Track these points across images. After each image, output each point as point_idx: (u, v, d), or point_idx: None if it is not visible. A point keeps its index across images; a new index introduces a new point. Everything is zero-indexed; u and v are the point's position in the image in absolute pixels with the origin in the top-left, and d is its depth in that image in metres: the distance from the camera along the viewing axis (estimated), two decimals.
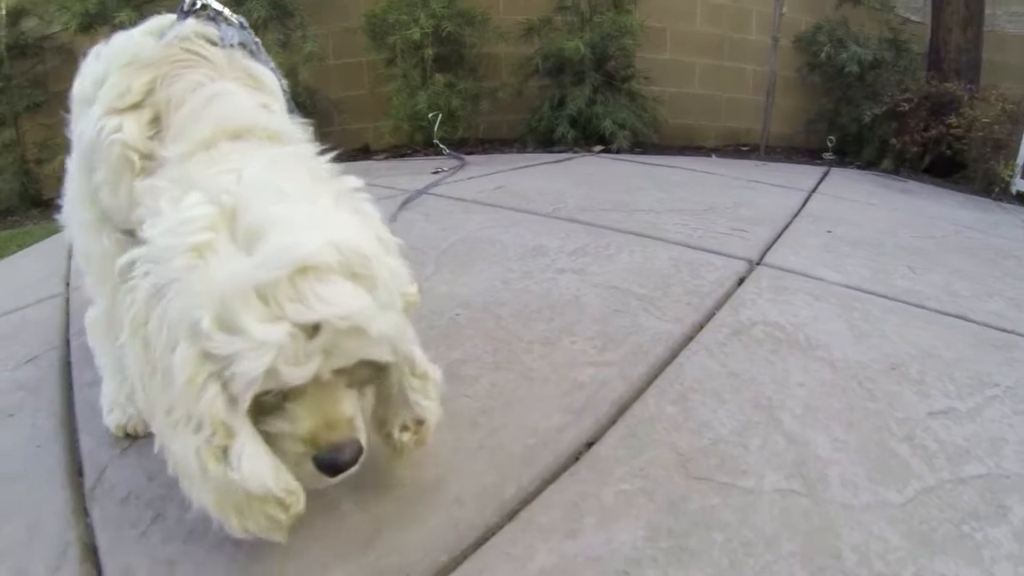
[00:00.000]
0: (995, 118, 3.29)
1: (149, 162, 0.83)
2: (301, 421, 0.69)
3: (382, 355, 0.72)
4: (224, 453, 0.66)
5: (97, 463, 1.03)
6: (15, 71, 3.63)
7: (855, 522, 0.91)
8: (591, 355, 1.30)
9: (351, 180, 0.79)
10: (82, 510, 0.94)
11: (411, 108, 3.57)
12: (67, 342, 1.46)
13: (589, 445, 1.05)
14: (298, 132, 0.91)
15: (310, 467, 0.70)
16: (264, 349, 0.62)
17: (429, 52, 3.59)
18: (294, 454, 0.70)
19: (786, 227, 2.17)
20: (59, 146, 3.56)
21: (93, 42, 1.02)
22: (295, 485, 0.72)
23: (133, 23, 1.03)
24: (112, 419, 1.07)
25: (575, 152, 3.59)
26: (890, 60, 3.82)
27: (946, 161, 3.47)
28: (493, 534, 0.88)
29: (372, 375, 0.79)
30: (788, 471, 1.00)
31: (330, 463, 0.70)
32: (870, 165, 3.65)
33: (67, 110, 1.07)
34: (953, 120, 3.37)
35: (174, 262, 0.64)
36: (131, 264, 0.69)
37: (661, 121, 3.91)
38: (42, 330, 1.54)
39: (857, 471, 1.01)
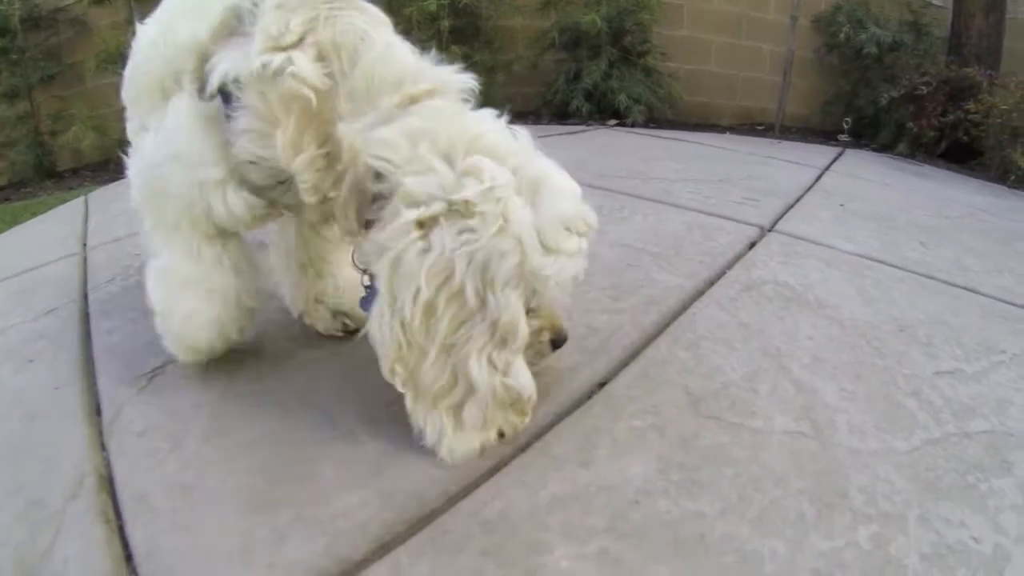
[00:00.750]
0: (1014, 105, 3.20)
1: (328, 104, 0.84)
2: (550, 317, 0.94)
3: None
4: (508, 367, 0.84)
5: (114, 402, 1.05)
6: (29, 43, 3.60)
7: (862, 465, 0.93)
8: (605, 303, 1.32)
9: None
10: (99, 445, 0.96)
11: None
12: (85, 296, 1.48)
13: (602, 385, 1.06)
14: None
15: (547, 348, 0.97)
16: (578, 256, 0.85)
17: (445, 24, 3.55)
18: (540, 343, 0.95)
19: (798, 199, 2.17)
20: (73, 117, 3.56)
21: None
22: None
23: None
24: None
25: (589, 125, 3.57)
26: (910, 43, 3.74)
27: (962, 147, 3.41)
28: (506, 464, 0.90)
29: None
30: (796, 415, 1.01)
31: (564, 339, 0.98)
32: (885, 148, 3.60)
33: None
34: (971, 106, 3.30)
35: (491, 227, 0.78)
36: (432, 219, 0.78)
37: (676, 97, 3.89)
38: (61, 285, 1.56)
39: (864, 419, 1.02)
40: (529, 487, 0.86)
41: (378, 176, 0.82)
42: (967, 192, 2.84)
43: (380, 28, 0.89)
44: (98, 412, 1.03)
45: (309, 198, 0.87)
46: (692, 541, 0.79)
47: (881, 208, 2.21)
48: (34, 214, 2.69)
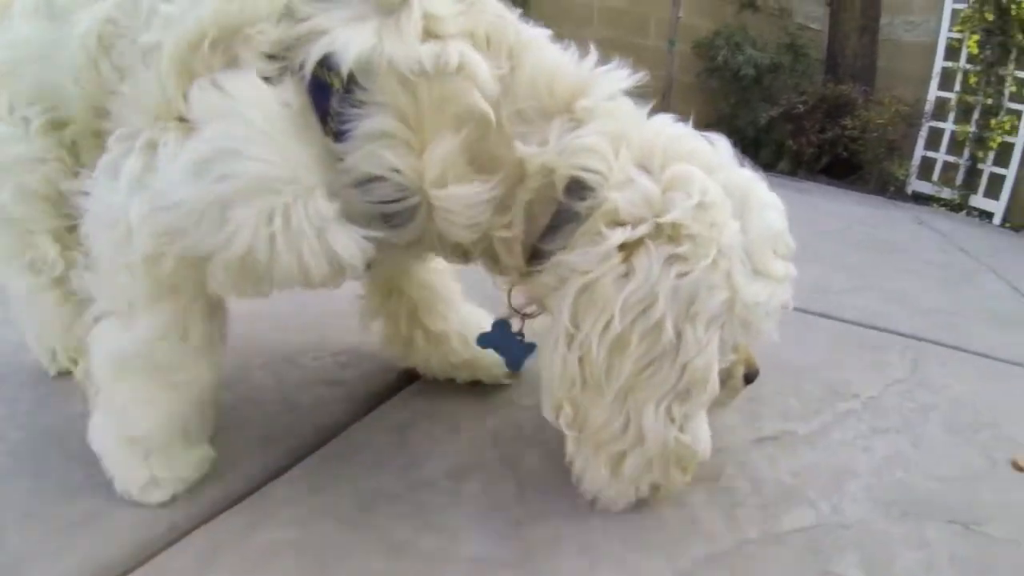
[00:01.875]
0: (889, 120, 3.23)
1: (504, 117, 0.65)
2: (746, 350, 0.80)
3: None
4: (686, 422, 0.71)
5: None
6: None
7: None
8: (329, 373, 0.96)
9: None
10: None
11: None
12: None
13: (276, 477, 0.73)
14: None
15: (741, 384, 0.80)
16: (788, 282, 0.74)
17: None
18: (735, 378, 0.80)
19: None
20: None
21: None
22: None
23: None
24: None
25: None
26: (787, 64, 3.74)
27: (843, 163, 3.39)
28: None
29: None
30: (502, 531, 0.66)
31: (757, 373, 0.82)
32: (768, 168, 3.46)
33: None
34: (848, 122, 3.29)
35: (704, 256, 0.67)
36: (637, 242, 0.66)
37: None
38: None
39: (615, 535, 0.68)
40: None
41: (578, 192, 0.67)
42: (846, 205, 2.73)
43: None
44: None
45: (469, 235, 0.69)
46: None
47: None
48: None
